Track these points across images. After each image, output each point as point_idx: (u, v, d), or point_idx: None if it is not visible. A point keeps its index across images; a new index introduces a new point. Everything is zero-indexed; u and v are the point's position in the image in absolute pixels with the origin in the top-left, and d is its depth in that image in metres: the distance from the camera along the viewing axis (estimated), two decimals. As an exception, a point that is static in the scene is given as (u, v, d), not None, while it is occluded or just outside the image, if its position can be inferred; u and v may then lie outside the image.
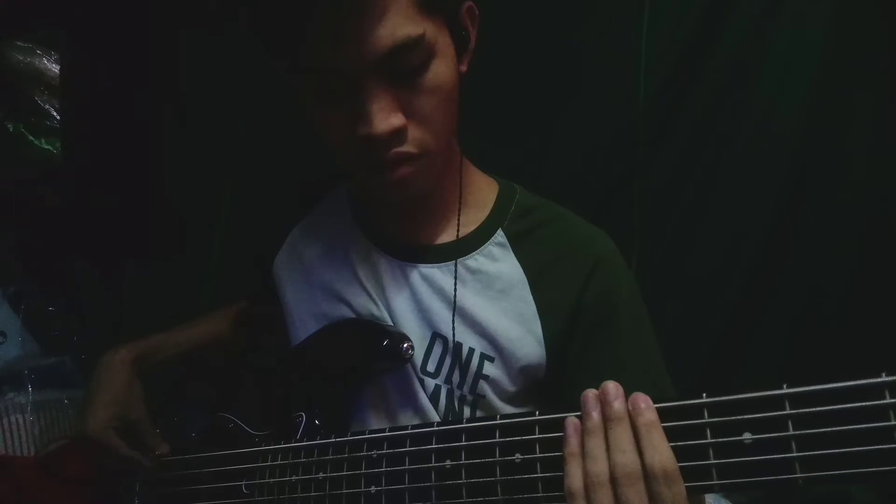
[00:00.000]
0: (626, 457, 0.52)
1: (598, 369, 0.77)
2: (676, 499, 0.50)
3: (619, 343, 0.78)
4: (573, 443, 0.55)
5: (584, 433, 0.55)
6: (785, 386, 0.48)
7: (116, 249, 1.86)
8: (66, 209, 1.94)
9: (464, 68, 0.75)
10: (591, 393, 0.56)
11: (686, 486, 0.50)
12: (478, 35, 0.77)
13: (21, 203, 1.92)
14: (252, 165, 1.73)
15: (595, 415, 0.55)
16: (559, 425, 0.57)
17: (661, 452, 0.51)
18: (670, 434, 0.51)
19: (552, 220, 0.85)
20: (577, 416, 0.56)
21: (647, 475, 0.51)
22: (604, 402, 0.55)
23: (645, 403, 0.53)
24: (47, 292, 1.84)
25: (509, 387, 0.79)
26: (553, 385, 0.80)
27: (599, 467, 0.52)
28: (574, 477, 0.54)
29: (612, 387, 0.55)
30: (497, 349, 0.79)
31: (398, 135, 0.68)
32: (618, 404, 0.54)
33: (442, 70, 0.69)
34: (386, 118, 0.66)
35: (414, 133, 0.69)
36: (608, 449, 0.53)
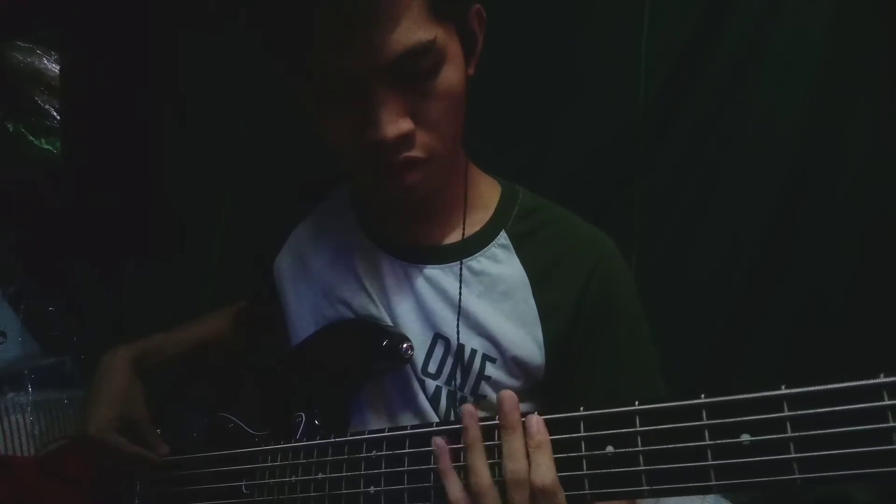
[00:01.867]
0: (517, 464, 0.56)
1: (596, 370, 0.78)
2: None
3: (617, 345, 0.78)
4: (444, 460, 0.60)
5: (466, 447, 0.60)
6: (783, 387, 0.48)
7: (116, 249, 1.86)
8: (66, 209, 1.94)
9: (471, 72, 0.74)
10: (468, 408, 0.61)
11: (678, 487, 0.51)
12: (484, 38, 0.76)
13: (21, 203, 1.93)
14: (252, 165, 1.73)
15: (473, 431, 0.59)
16: (556, 425, 0.57)
17: (545, 468, 0.55)
18: (668, 436, 0.51)
19: (554, 221, 0.85)
20: (442, 433, 0.62)
21: (532, 488, 0.55)
22: (501, 412, 0.59)
23: (536, 427, 0.57)
24: (47, 292, 1.84)
25: (510, 385, 0.79)
26: (552, 386, 0.80)
27: (482, 478, 0.57)
28: (454, 490, 0.59)
29: (508, 397, 0.59)
30: (498, 350, 0.79)
31: (406, 140, 0.67)
32: (514, 415, 0.58)
33: (451, 75, 0.68)
34: (395, 123, 0.65)
35: (422, 138, 0.69)
36: (502, 455, 0.58)
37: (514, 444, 0.57)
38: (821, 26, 1.41)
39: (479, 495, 0.57)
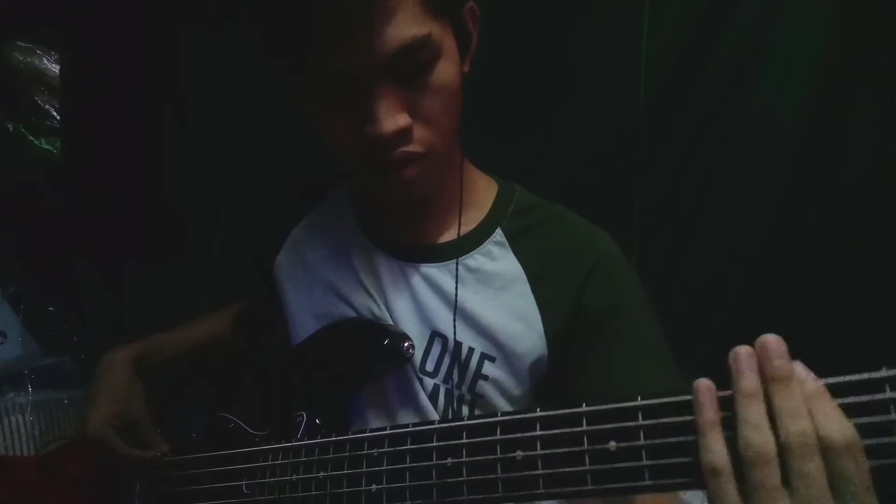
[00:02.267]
0: (803, 424, 0.43)
1: (605, 365, 0.77)
2: (864, 477, 0.42)
3: (626, 338, 0.78)
4: (709, 410, 0.46)
5: (738, 397, 0.45)
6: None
7: (116, 249, 1.86)
8: (66, 209, 1.94)
9: (466, 69, 0.75)
10: (742, 350, 0.47)
11: (687, 482, 0.50)
12: (479, 35, 0.77)
13: (21, 203, 1.92)
14: (252, 165, 1.73)
15: (753, 375, 0.45)
16: (560, 422, 0.57)
17: (838, 420, 0.43)
18: (670, 430, 0.51)
19: (551, 218, 0.86)
20: (707, 380, 0.48)
21: (826, 449, 0.43)
22: (764, 360, 0.46)
23: (805, 371, 0.45)
24: (47, 292, 1.84)
25: (512, 384, 0.79)
26: (557, 382, 0.80)
27: (764, 437, 0.44)
28: (716, 451, 0.45)
29: (774, 341, 0.46)
30: (498, 347, 0.79)
31: (404, 135, 0.68)
32: (785, 361, 0.45)
33: (447, 70, 0.69)
34: (393, 118, 0.66)
35: (419, 133, 0.69)
36: (774, 417, 0.44)
37: (793, 399, 0.44)
38: (821, 26, 1.41)
39: (758, 462, 0.43)
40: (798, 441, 0.43)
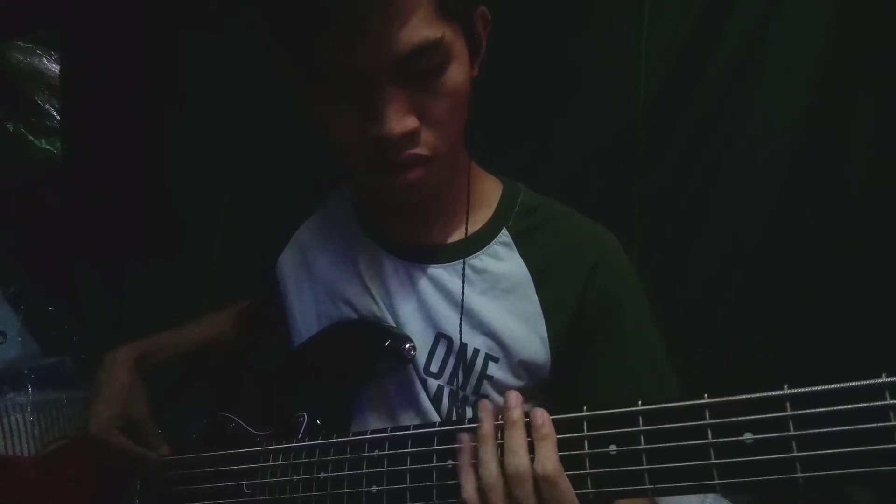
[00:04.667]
0: (517, 459, 0.57)
1: (603, 367, 0.78)
2: (560, 498, 0.56)
3: (623, 341, 0.78)
4: (464, 456, 0.61)
5: (478, 441, 0.60)
6: (786, 387, 0.48)
7: (116, 249, 1.86)
8: (66, 209, 1.94)
9: (475, 73, 0.75)
10: (486, 403, 0.63)
11: (683, 485, 0.51)
12: (488, 40, 0.77)
13: (21, 203, 1.92)
14: (253, 165, 1.73)
15: (487, 425, 0.61)
16: (560, 425, 0.57)
17: (546, 459, 0.56)
18: (671, 435, 0.52)
19: (556, 217, 0.86)
20: (463, 431, 0.62)
21: (535, 478, 0.56)
22: (505, 408, 0.60)
23: (541, 420, 0.58)
24: (47, 292, 1.84)
25: (514, 384, 0.79)
26: (558, 384, 0.80)
27: (490, 472, 0.58)
28: (467, 486, 0.60)
29: (514, 396, 0.61)
30: (502, 348, 0.79)
31: (411, 137, 0.68)
32: (516, 412, 0.60)
33: (457, 74, 0.69)
34: (401, 120, 0.66)
35: (426, 136, 0.69)
36: (503, 452, 0.59)
37: (515, 440, 0.58)
38: (821, 26, 1.40)
39: (488, 489, 0.58)
40: (511, 472, 0.57)
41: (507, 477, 0.57)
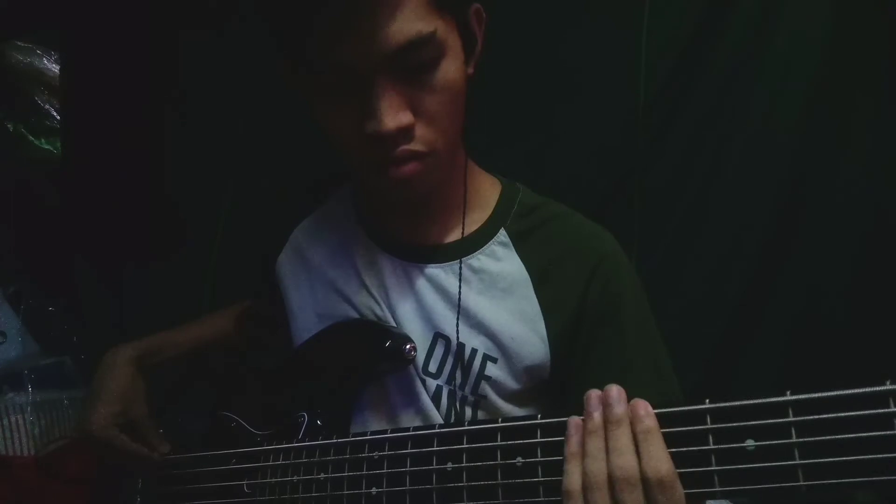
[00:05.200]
0: (625, 460, 0.52)
1: (603, 369, 0.77)
2: (677, 502, 0.50)
3: (623, 342, 0.78)
4: (574, 442, 0.55)
5: (584, 433, 0.55)
6: (788, 393, 0.48)
7: (116, 249, 1.86)
8: (66, 209, 1.94)
9: (470, 72, 0.75)
10: (593, 393, 0.56)
11: (687, 493, 0.50)
12: (484, 38, 0.77)
13: (21, 203, 1.92)
14: (252, 165, 1.73)
15: (596, 415, 0.55)
16: (560, 429, 0.57)
17: (657, 459, 0.51)
18: (672, 439, 0.52)
19: (555, 218, 0.86)
20: (579, 417, 0.56)
21: (644, 481, 0.51)
22: (605, 405, 0.55)
23: (644, 410, 0.53)
24: (47, 292, 1.84)
25: (513, 385, 0.79)
26: (558, 385, 0.80)
27: (598, 467, 0.53)
28: (573, 477, 0.54)
29: (615, 390, 0.55)
30: (500, 349, 0.79)
31: (406, 132, 0.68)
32: (619, 408, 0.54)
33: (451, 69, 0.69)
34: (395, 115, 0.66)
35: (421, 131, 0.69)
36: (607, 451, 0.53)
37: (621, 439, 0.53)
38: (821, 26, 1.40)
39: (594, 486, 0.53)
40: (620, 475, 0.52)
41: (614, 480, 0.52)
